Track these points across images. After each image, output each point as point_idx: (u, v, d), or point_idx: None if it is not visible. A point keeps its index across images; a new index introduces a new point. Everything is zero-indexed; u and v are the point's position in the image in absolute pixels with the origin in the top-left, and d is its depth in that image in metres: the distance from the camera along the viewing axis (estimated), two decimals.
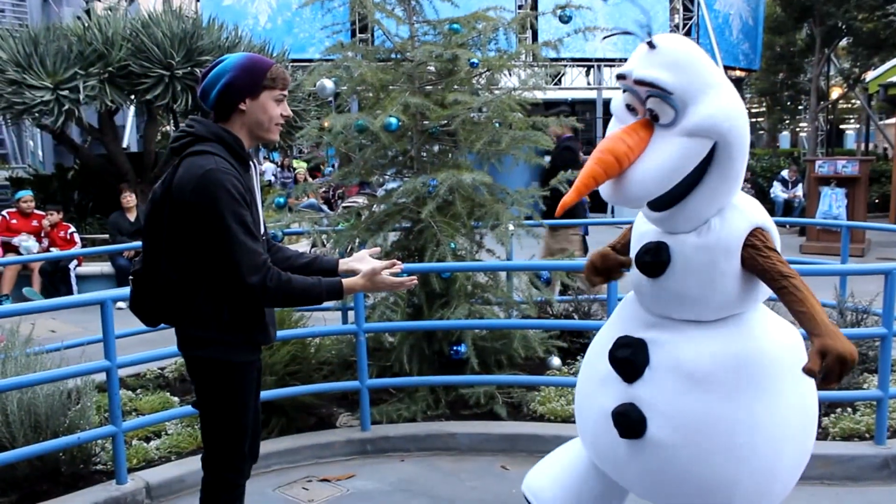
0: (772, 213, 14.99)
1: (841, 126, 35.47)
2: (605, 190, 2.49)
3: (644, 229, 2.71)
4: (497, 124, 4.79)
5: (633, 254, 2.75)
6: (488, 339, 4.91)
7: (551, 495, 3.01)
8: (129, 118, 15.24)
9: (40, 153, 16.34)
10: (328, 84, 4.63)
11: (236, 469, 2.65)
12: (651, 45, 2.44)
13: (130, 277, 2.67)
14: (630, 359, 2.67)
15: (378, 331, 4.77)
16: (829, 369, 2.18)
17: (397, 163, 5.15)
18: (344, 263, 2.69)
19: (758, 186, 15.57)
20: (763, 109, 31.24)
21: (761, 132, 36.33)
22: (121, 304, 8.55)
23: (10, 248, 9.07)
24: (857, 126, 34.04)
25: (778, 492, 2.70)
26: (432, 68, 4.97)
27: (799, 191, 14.87)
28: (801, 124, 31.28)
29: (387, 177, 5.22)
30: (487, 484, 3.96)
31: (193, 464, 4.01)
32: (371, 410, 4.45)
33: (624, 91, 2.53)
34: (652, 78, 2.38)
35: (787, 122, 32.50)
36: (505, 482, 3.98)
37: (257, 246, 2.41)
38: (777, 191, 15.16)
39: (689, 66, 2.42)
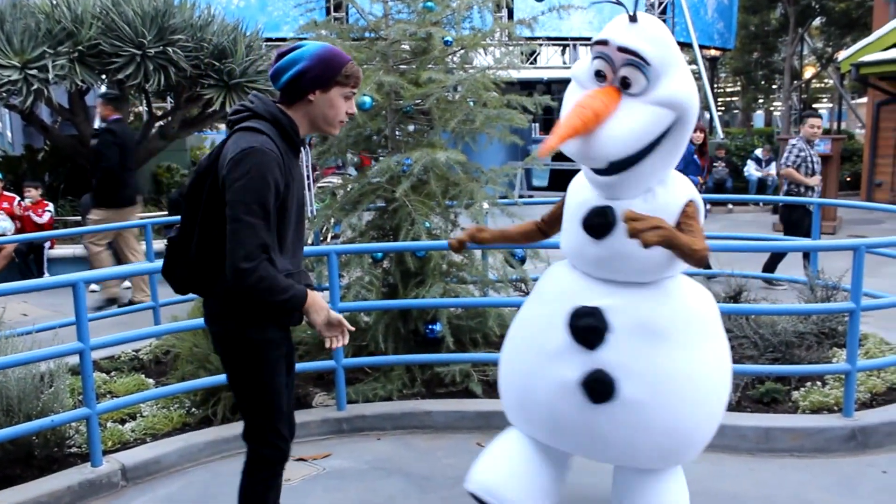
0: (745, 191, 15.21)
1: (814, 105, 35.77)
2: (572, 146, 2.61)
3: (585, 197, 2.89)
4: (471, 103, 4.78)
5: (571, 221, 2.91)
6: (463, 318, 4.93)
7: (506, 487, 3.05)
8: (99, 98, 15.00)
9: (9, 134, 16.05)
10: None
11: (272, 445, 2.64)
12: (632, 19, 2.61)
13: (166, 244, 2.71)
14: (594, 325, 2.80)
15: (353, 310, 4.77)
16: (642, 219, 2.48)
17: (372, 142, 5.13)
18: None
19: (732, 165, 15.68)
20: (738, 89, 31.43)
21: (736, 111, 36.57)
22: (93, 287, 8.51)
23: None
24: (830, 105, 34.37)
25: (715, 427, 2.99)
26: (406, 47, 4.95)
27: (772, 169, 15.00)
28: (775, 103, 31.53)
29: (361, 155, 5.18)
30: (463, 461, 3.95)
31: (169, 445, 4.04)
32: (347, 390, 4.46)
33: (596, 58, 2.65)
34: (636, 47, 2.55)
35: (762, 101, 32.72)
36: None
37: (264, 233, 2.36)
38: (751, 169, 15.30)
39: (664, 42, 2.61)
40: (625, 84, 2.61)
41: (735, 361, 4.47)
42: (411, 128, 5.17)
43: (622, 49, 2.57)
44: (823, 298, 5.38)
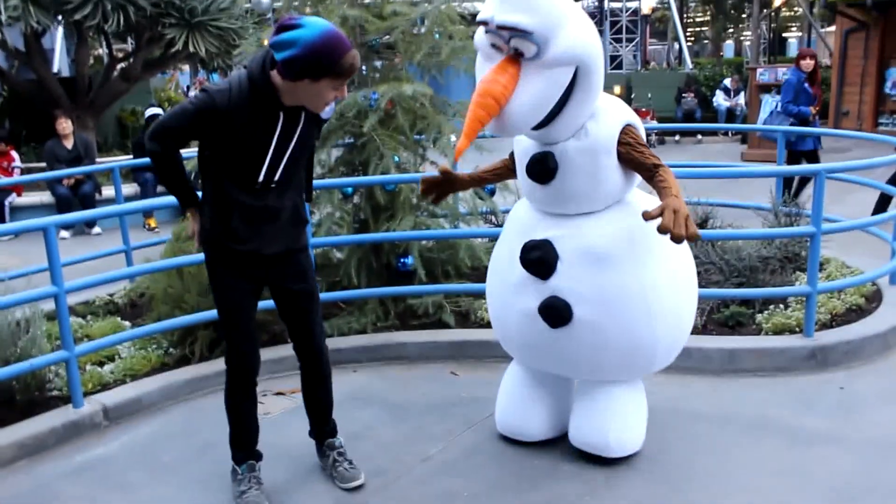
0: (714, 121, 15.23)
1: (784, 35, 35.69)
2: (489, 127, 2.75)
3: (526, 144, 3.06)
4: (437, 36, 4.75)
5: (520, 168, 3.10)
6: (434, 251, 5.00)
7: (518, 421, 3.40)
8: (57, 41, 14.59)
9: None
10: None
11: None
12: None
13: None
14: (543, 258, 3.02)
15: (324, 245, 4.81)
16: (664, 217, 2.54)
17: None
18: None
19: (700, 95, 15.71)
20: (707, 18, 31.21)
21: (706, 42, 36.39)
22: (64, 234, 8.44)
23: None
24: (800, 34, 34.29)
25: (684, 338, 3.23)
26: None
27: (741, 99, 15.07)
28: (744, 33, 31.39)
29: None
30: (437, 389, 4.10)
31: (149, 385, 4.10)
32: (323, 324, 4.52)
33: (486, 32, 2.75)
34: (513, 23, 2.64)
35: (731, 31, 32.57)
36: (454, 386, 4.13)
37: (169, 127, 2.71)
38: (719, 99, 15.34)
39: (543, 4, 2.66)
40: (519, 53, 2.70)
41: (701, 286, 4.63)
42: (378, 63, 5.13)
43: (501, 27, 2.66)
44: (787, 224, 5.51)
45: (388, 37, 4.69)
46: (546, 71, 2.69)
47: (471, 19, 4.99)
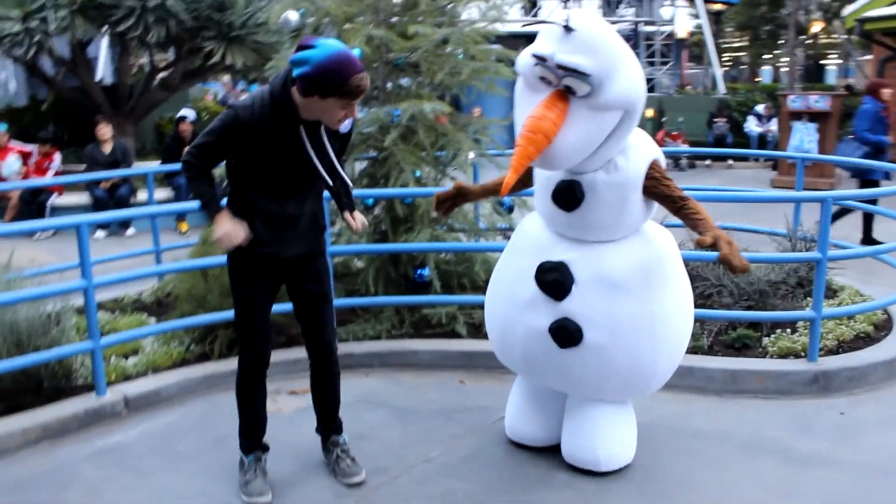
0: (746, 146, 15.12)
1: (822, 62, 35.41)
2: (532, 161, 2.84)
3: (551, 171, 3.08)
4: (460, 56, 4.91)
5: (542, 192, 3.16)
6: (451, 263, 5.14)
7: (521, 428, 3.55)
8: (102, 50, 15.06)
9: (13, 85, 16.14)
10: (292, 16, 4.72)
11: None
12: (568, 29, 2.73)
13: None
14: (559, 280, 3.10)
15: (344, 254, 4.98)
16: (720, 248, 2.68)
17: (365, 94, 5.26)
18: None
19: (732, 121, 15.69)
20: (745, 44, 31.09)
21: (743, 67, 36.20)
22: (99, 234, 8.75)
23: None
24: (840, 61, 34.01)
25: (679, 360, 3.33)
26: (396, 0, 5.05)
27: (773, 125, 15.02)
28: (782, 59, 31.21)
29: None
30: (445, 396, 4.24)
31: (169, 378, 4.29)
32: (338, 330, 4.68)
33: (536, 65, 2.81)
34: (574, 64, 2.70)
35: (769, 56, 32.40)
36: (461, 395, 4.26)
37: (202, 144, 2.91)
38: (751, 125, 15.31)
39: (603, 48, 2.74)
40: (570, 90, 2.77)
41: (711, 308, 4.73)
42: (405, 82, 5.30)
43: (560, 66, 2.72)
44: (803, 250, 5.55)
45: (410, 56, 4.85)
46: (595, 112, 2.76)
47: (496, 41, 5.17)
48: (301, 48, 2.69)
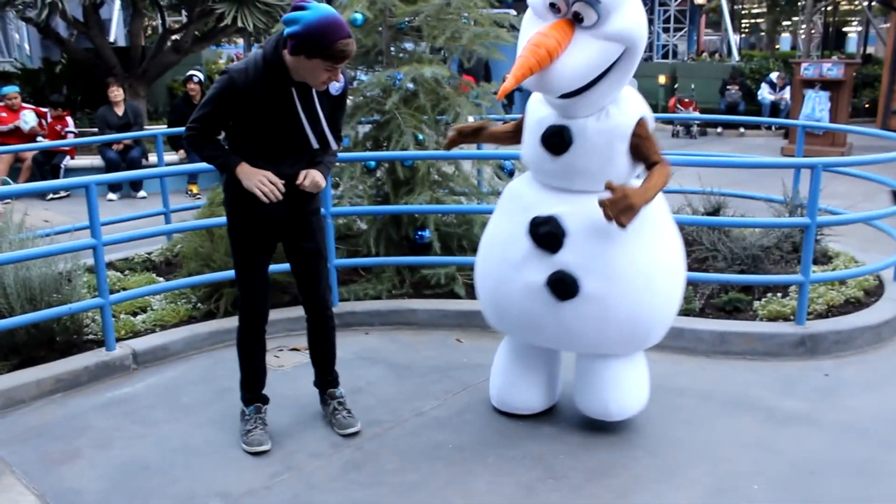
0: (758, 114, 14.96)
1: (844, 28, 34.85)
2: (528, 81, 2.88)
3: (543, 114, 3.16)
4: (464, 19, 4.97)
5: (531, 137, 3.21)
6: (451, 226, 5.25)
7: (509, 396, 3.58)
8: (115, 12, 15.12)
9: (27, 47, 16.26)
10: None
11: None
12: None
13: None
14: (552, 232, 3.15)
15: (345, 214, 5.09)
16: (614, 194, 2.88)
17: (369, 58, 5.35)
18: None
19: (745, 88, 15.58)
20: (763, 10, 30.61)
21: (762, 34, 35.70)
22: (112, 196, 8.91)
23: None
24: (859, 29, 33.45)
25: (675, 312, 3.37)
26: None
27: (786, 93, 14.89)
28: (802, 26, 30.73)
29: (358, 70, 5.41)
30: (441, 353, 4.38)
31: (176, 335, 4.45)
32: (339, 289, 4.83)
33: None
34: None
35: (788, 23, 31.91)
36: (457, 352, 4.40)
37: (201, 116, 3.01)
38: (764, 93, 15.19)
39: None
40: (577, 17, 2.85)
41: (705, 272, 4.80)
42: (409, 45, 5.37)
43: None
44: (797, 216, 5.61)
45: (413, 20, 4.91)
46: (600, 42, 2.84)
47: (499, 5, 5.22)
48: (295, 9, 2.78)
